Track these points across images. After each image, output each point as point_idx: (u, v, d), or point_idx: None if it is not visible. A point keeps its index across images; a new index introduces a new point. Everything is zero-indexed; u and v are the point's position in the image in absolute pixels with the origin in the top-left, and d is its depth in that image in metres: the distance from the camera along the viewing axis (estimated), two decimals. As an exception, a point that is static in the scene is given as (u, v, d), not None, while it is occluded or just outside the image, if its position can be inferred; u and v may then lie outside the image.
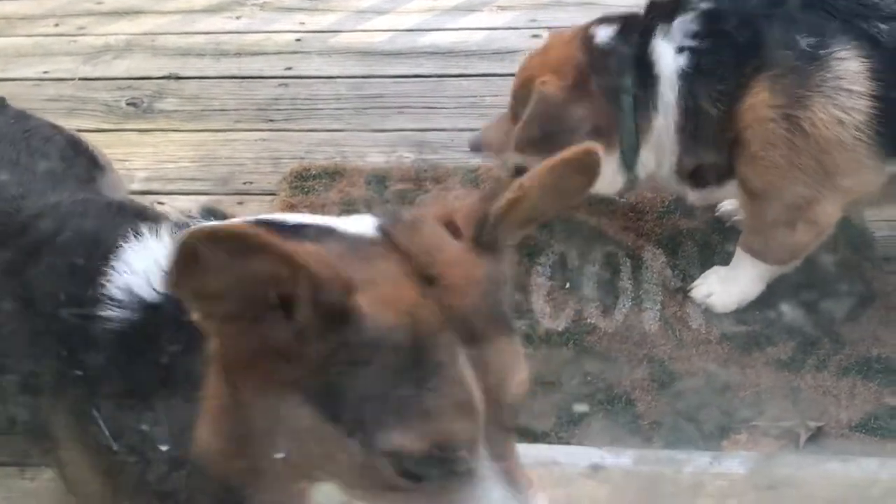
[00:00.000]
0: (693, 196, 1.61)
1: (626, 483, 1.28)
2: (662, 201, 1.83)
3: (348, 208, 1.89)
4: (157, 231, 0.87)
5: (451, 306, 0.69)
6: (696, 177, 1.56)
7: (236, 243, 0.60)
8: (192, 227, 0.61)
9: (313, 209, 1.89)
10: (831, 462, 1.29)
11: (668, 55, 1.47)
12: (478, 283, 0.72)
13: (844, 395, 1.44)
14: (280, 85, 2.32)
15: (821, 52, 1.40)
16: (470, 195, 0.83)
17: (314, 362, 0.67)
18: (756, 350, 1.53)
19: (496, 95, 2.19)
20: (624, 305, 1.64)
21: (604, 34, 1.54)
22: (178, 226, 0.87)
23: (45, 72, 2.42)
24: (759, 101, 1.43)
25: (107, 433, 0.83)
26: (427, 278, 0.70)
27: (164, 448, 0.80)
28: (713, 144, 1.49)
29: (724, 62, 1.45)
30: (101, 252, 0.85)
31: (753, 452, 1.33)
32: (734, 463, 1.28)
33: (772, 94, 1.42)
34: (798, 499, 1.23)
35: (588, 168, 0.77)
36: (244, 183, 2.02)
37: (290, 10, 2.62)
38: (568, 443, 1.39)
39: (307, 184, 1.96)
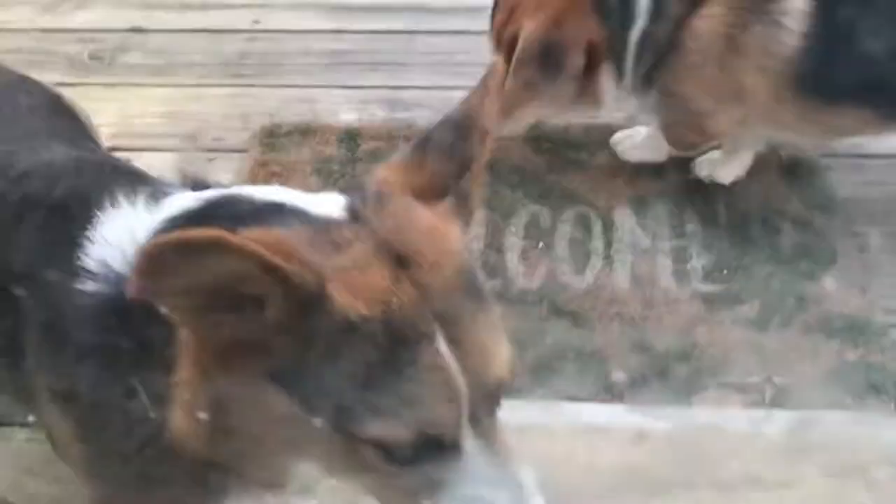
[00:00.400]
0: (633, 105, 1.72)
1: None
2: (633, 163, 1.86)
3: (321, 166, 1.88)
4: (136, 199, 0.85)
5: (427, 286, 0.69)
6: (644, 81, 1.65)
7: (205, 249, 0.60)
8: (156, 237, 0.62)
9: (285, 167, 1.88)
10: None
11: None
12: (452, 258, 0.73)
13: (808, 352, 1.49)
14: (248, 39, 2.28)
15: None
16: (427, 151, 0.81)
17: (289, 353, 0.67)
18: (724, 309, 1.57)
19: (467, 53, 2.18)
20: (595, 265, 1.67)
21: None
22: (156, 194, 0.85)
23: (3, 21, 2.35)
24: (712, 15, 1.52)
25: (87, 400, 0.83)
26: (400, 259, 0.70)
27: (142, 417, 0.79)
28: (665, 47, 1.58)
29: None
30: (89, 216, 0.83)
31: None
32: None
33: (723, 11, 1.52)
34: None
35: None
36: (213, 139, 1.99)
37: (257, -40, 2.57)
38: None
39: (278, 141, 1.94)
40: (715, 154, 1.80)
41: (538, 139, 1.93)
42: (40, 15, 2.37)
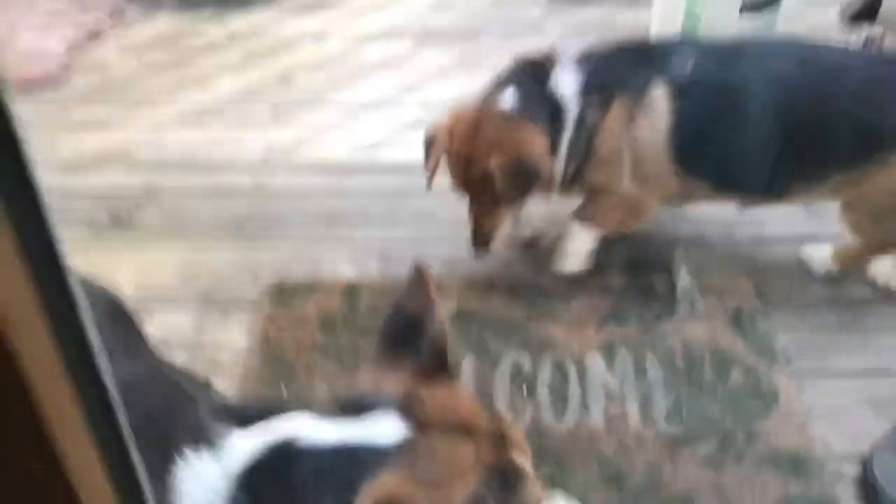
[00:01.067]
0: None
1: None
2: (600, 313, 2.13)
3: (325, 322, 2.11)
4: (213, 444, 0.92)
5: None
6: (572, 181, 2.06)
7: None
8: None
9: (293, 322, 2.11)
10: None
11: (566, 88, 1.96)
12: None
13: (759, 485, 1.73)
14: (252, 199, 2.53)
15: (645, 85, 1.94)
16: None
17: None
18: (685, 447, 1.82)
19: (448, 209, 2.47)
20: (573, 409, 1.91)
21: (508, 98, 1.96)
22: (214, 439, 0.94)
23: (25, 184, 2.57)
24: (613, 118, 1.95)
25: None
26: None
27: None
28: (584, 150, 1.99)
29: (598, 89, 1.96)
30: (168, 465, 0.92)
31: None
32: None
33: (619, 114, 1.95)
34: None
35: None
36: (226, 296, 2.21)
37: (255, 124, 2.85)
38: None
39: (286, 298, 2.18)
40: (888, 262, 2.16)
41: (514, 288, 2.20)
42: (62, 175, 2.61)
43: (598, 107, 1.96)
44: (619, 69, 1.99)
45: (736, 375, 1.97)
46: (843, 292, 2.19)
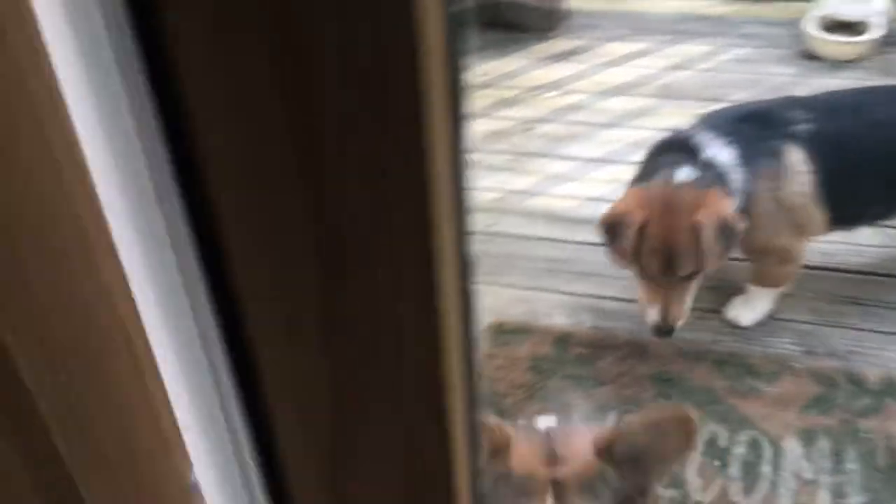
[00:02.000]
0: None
1: None
2: (805, 397, 2.17)
3: (535, 364, 2.32)
4: None
5: None
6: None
7: None
8: None
9: (508, 361, 2.33)
10: None
11: (724, 159, 2.13)
12: None
13: None
14: (483, 241, 2.79)
15: (780, 149, 2.15)
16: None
17: None
18: (874, 548, 1.83)
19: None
20: (762, 488, 1.98)
21: (686, 173, 2.12)
22: None
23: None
24: (762, 188, 2.15)
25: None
26: None
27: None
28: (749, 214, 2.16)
29: (749, 160, 2.14)
30: None
31: None
32: None
33: (767, 182, 2.14)
34: None
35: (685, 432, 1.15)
36: (452, 328, 2.48)
37: (494, 169, 3.11)
38: None
39: (503, 338, 2.41)
40: (739, 303, 2.42)
41: (722, 363, 2.28)
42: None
43: (754, 175, 2.14)
44: (754, 138, 2.17)
45: None
46: None
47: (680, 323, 2.21)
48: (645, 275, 2.19)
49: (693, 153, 2.14)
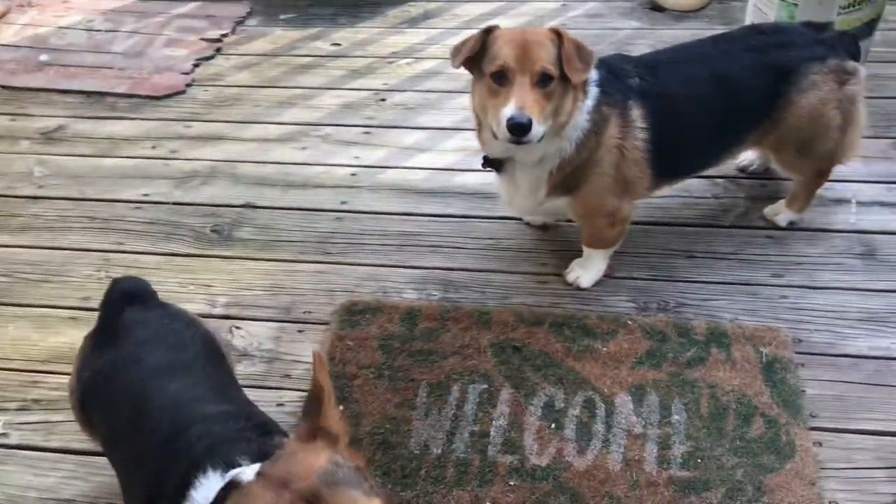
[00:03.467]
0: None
1: None
2: (637, 352, 2.28)
3: (384, 343, 2.36)
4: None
5: None
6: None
7: None
8: None
9: (357, 342, 2.37)
10: None
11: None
12: None
13: (755, 539, 1.86)
14: (336, 218, 2.80)
15: (628, 101, 2.26)
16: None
17: None
18: (693, 494, 1.96)
19: (512, 239, 2.66)
20: (595, 446, 2.09)
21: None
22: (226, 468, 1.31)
23: (145, 194, 2.95)
24: (612, 135, 2.24)
25: None
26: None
27: None
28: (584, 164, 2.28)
29: (607, 100, 2.24)
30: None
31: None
32: None
33: (616, 132, 2.24)
34: None
35: None
36: (304, 312, 2.50)
37: (347, 143, 3.11)
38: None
39: (354, 318, 2.44)
40: (577, 266, 2.56)
41: (561, 326, 2.37)
42: (175, 189, 2.97)
43: (605, 119, 2.24)
44: (610, 83, 2.26)
45: (757, 427, 2.09)
46: (881, 344, 2.24)
47: (537, 122, 2.03)
48: (500, 73, 2.08)
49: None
